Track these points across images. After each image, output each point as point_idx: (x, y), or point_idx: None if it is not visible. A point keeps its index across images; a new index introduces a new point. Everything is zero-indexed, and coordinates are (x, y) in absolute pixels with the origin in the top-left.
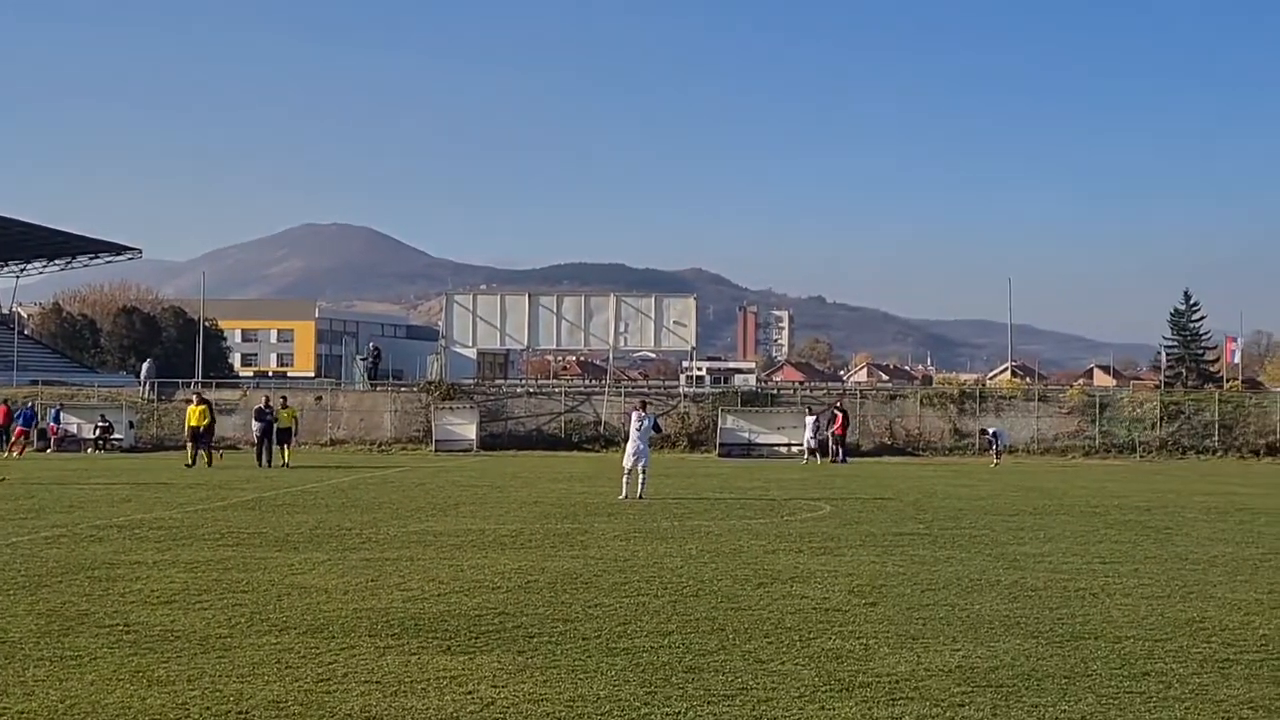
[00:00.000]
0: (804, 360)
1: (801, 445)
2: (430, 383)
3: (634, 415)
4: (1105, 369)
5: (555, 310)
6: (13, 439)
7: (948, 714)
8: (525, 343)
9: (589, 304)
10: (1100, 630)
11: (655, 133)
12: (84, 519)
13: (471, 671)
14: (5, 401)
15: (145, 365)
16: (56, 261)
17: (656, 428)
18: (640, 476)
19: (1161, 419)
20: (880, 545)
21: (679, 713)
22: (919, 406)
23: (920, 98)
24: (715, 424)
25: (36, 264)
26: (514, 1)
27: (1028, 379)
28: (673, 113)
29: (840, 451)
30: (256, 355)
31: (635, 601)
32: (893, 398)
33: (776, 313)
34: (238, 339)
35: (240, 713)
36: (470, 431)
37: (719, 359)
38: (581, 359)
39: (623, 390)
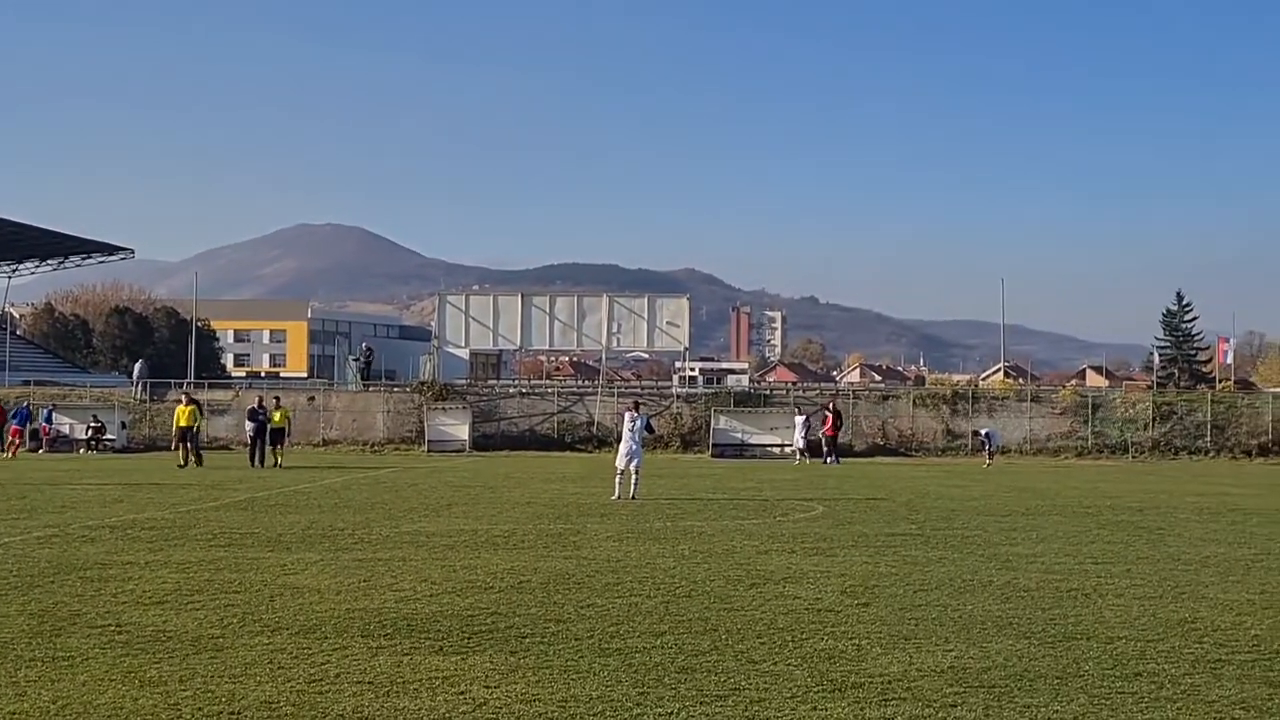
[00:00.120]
0: (797, 361)
1: (794, 446)
2: (423, 383)
3: (627, 416)
4: (1098, 369)
5: (548, 311)
6: (9, 439)
7: (940, 714)
8: (518, 343)
9: (582, 304)
10: (1093, 631)
11: (648, 133)
12: (76, 519)
13: (464, 672)
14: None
15: (137, 366)
16: (49, 262)
17: (649, 428)
18: (633, 477)
19: (1154, 420)
20: (873, 546)
21: (671, 713)
22: (912, 407)
23: (914, 98)
24: (708, 425)
25: (29, 264)
26: (509, 2)
27: (1020, 379)
28: (666, 113)
29: (826, 451)
30: (249, 356)
31: (628, 602)
32: (885, 398)
33: (769, 313)
34: (230, 339)
35: (233, 713)
36: (463, 432)
37: (712, 359)
38: (574, 359)
39: (615, 391)
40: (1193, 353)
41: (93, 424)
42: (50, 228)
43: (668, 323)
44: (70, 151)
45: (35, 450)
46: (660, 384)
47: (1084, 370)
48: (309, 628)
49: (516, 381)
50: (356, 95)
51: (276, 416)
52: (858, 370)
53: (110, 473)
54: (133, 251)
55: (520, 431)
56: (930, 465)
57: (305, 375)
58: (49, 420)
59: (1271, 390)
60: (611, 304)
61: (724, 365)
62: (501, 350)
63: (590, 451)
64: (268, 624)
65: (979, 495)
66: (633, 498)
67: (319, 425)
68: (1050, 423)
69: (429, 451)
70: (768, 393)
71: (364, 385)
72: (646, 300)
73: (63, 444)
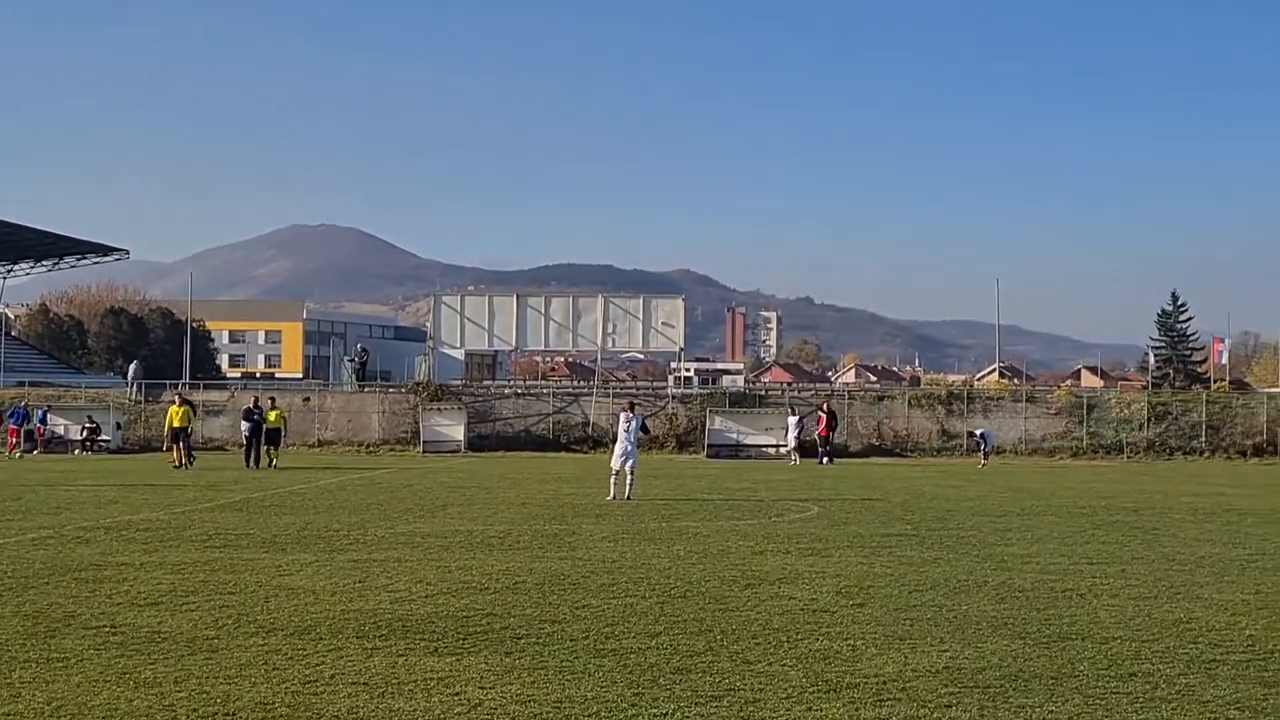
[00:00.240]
0: (792, 361)
1: (787, 446)
2: (418, 384)
3: (622, 416)
4: (1093, 370)
5: (543, 311)
6: (9, 439)
7: (935, 715)
8: (513, 344)
9: (577, 305)
10: (1087, 631)
11: (644, 135)
12: (71, 520)
13: (459, 673)
14: None
15: (132, 366)
16: (44, 262)
17: (644, 429)
18: (628, 477)
19: (1149, 420)
20: (868, 546)
21: (666, 714)
22: (907, 407)
23: (910, 98)
24: (703, 425)
25: (24, 265)
26: (504, 3)
27: (1015, 380)
28: (662, 115)
29: (821, 452)
30: (244, 356)
31: (623, 603)
32: (881, 399)
33: (764, 314)
34: (225, 340)
35: (227, 714)
36: (458, 433)
37: (707, 360)
38: (570, 360)
39: (611, 391)
40: (1188, 353)
41: (88, 425)
42: (45, 228)
43: (663, 323)
44: (66, 152)
45: (30, 451)
46: (655, 384)
47: (1079, 370)
48: (304, 629)
49: (512, 382)
50: (352, 95)
51: (272, 417)
52: (853, 371)
53: (105, 474)
54: (128, 252)
55: (515, 432)
56: (925, 466)
57: (300, 376)
58: (43, 421)
59: (1266, 391)
60: (607, 305)
61: (719, 366)
62: (497, 351)
63: (585, 452)
64: (263, 625)
65: (974, 496)
66: (628, 498)
67: (314, 426)
68: (1045, 423)
69: (424, 452)
70: (763, 393)
71: (359, 386)
72: (642, 301)
73: (57, 445)
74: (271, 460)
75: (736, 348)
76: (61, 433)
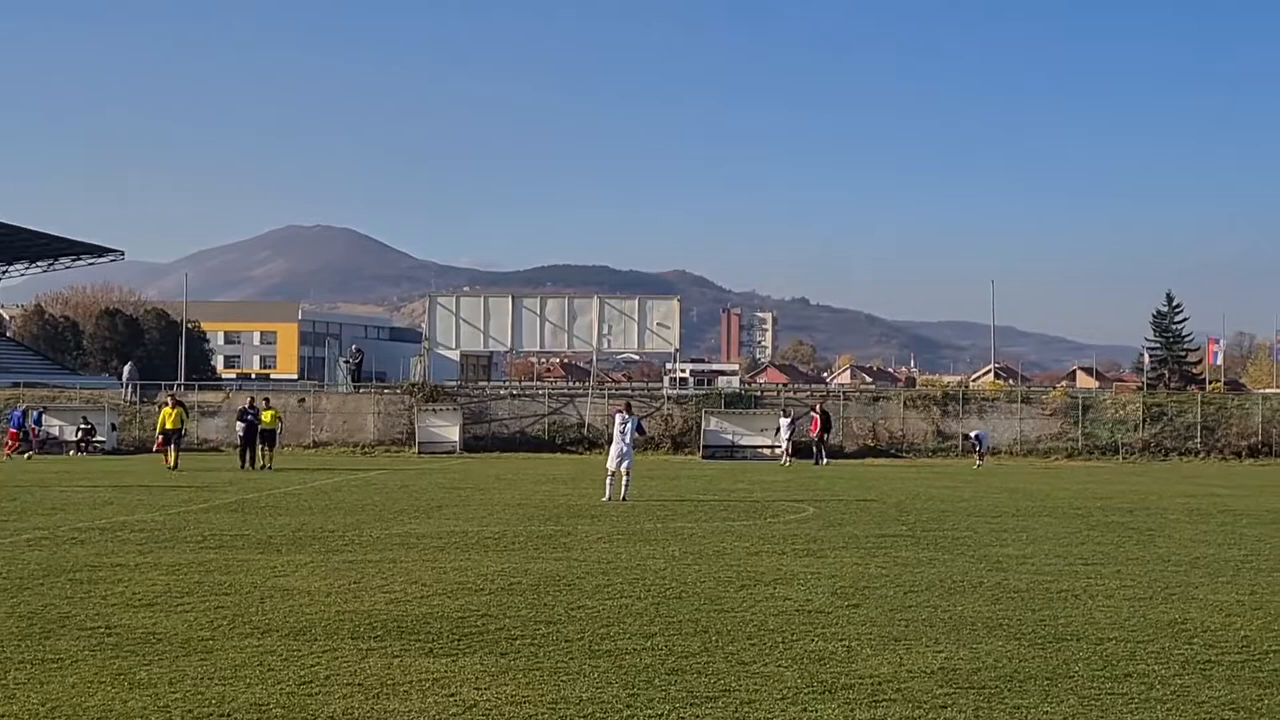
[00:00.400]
0: (788, 362)
1: (780, 447)
2: (413, 385)
3: (618, 417)
4: (1088, 371)
5: (539, 312)
6: (9, 440)
7: (930, 716)
8: (509, 345)
9: (572, 306)
10: (1083, 632)
11: (639, 136)
12: (66, 521)
13: (454, 674)
14: None
15: (126, 368)
16: (39, 263)
17: (640, 430)
18: (624, 478)
19: (1144, 421)
20: (863, 547)
21: (662, 715)
22: (902, 408)
23: (904, 99)
24: (699, 426)
25: (18, 266)
26: (500, 5)
27: (1011, 381)
28: (657, 116)
29: (819, 453)
30: (239, 357)
31: (618, 604)
32: (876, 399)
33: (760, 315)
34: (220, 341)
35: (223, 715)
36: (453, 433)
37: (703, 361)
38: (565, 361)
39: (606, 392)
40: (1183, 354)
41: (83, 426)
42: (40, 229)
43: (658, 324)
44: (61, 152)
45: (24, 453)
46: (651, 385)
47: (1074, 371)
48: (299, 630)
49: (507, 383)
50: (348, 97)
51: (267, 418)
52: (848, 371)
53: (100, 475)
54: (123, 253)
55: (511, 433)
56: (921, 466)
57: (296, 377)
58: (38, 422)
59: (1261, 392)
60: (602, 305)
61: (715, 367)
62: (492, 352)
63: (581, 453)
64: (258, 626)
65: (969, 496)
66: (623, 499)
67: (309, 427)
68: (1040, 424)
69: (419, 453)
70: (758, 394)
71: (354, 387)
72: (637, 302)
73: (52, 446)
74: (267, 462)
75: (732, 349)
76: (56, 434)
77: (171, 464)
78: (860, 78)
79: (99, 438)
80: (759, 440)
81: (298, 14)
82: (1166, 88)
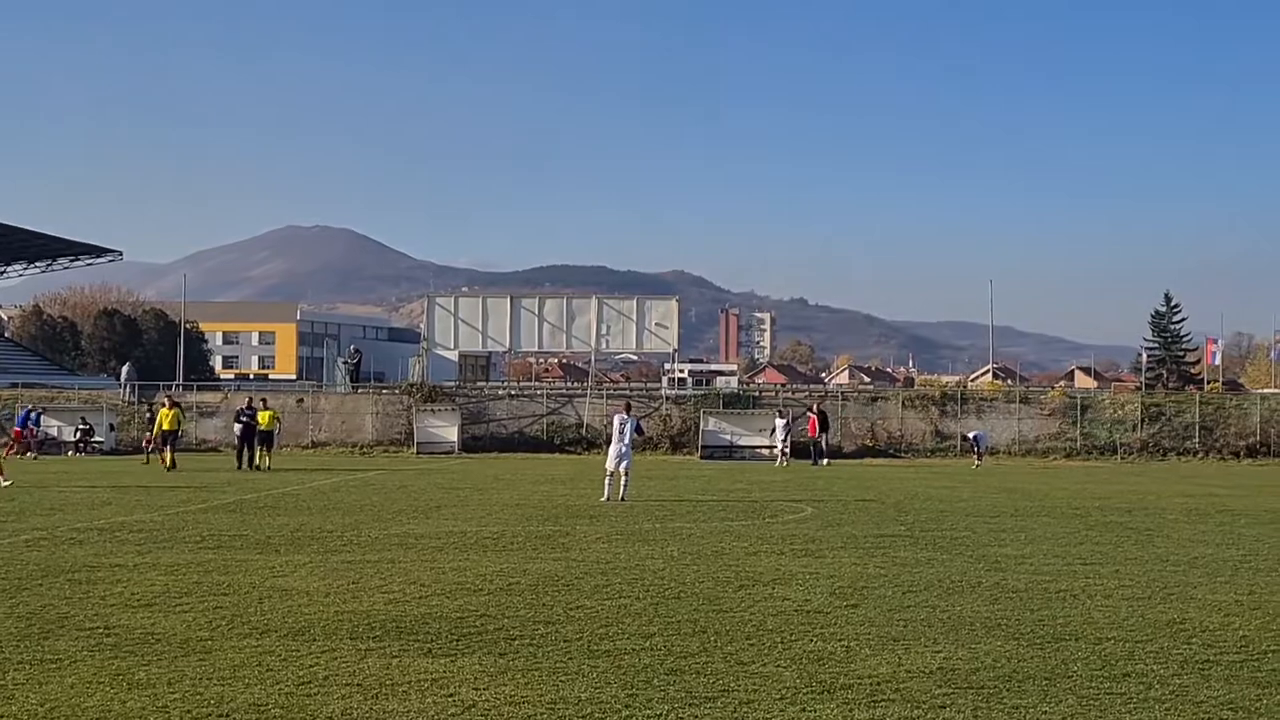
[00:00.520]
0: (786, 362)
1: (776, 448)
2: (412, 385)
3: (617, 418)
4: (1086, 371)
5: (537, 312)
6: (12, 440)
7: (929, 716)
8: (507, 345)
9: (571, 306)
10: (1081, 632)
11: (638, 136)
12: (64, 522)
13: (453, 674)
14: None
15: (125, 368)
16: (37, 264)
17: (639, 430)
18: (622, 479)
19: (1142, 421)
20: (862, 547)
21: (660, 715)
22: (901, 408)
23: (903, 99)
24: (697, 426)
25: (16, 266)
26: (499, 5)
27: (1009, 381)
28: (655, 116)
29: (815, 453)
30: (238, 358)
31: (617, 604)
32: (874, 400)
33: (758, 315)
34: (219, 341)
35: (221, 716)
36: (452, 434)
37: (701, 361)
38: (563, 361)
39: (605, 393)
40: (1181, 354)
41: (81, 426)
42: (38, 229)
43: (657, 324)
44: (59, 153)
45: (23, 453)
46: (649, 386)
47: (1072, 371)
48: (298, 630)
49: (505, 383)
50: (347, 98)
51: (264, 419)
52: (847, 372)
53: (98, 475)
54: (121, 253)
55: (509, 433)
56: (919, 466)
57: (294, 377)
58: (37, 423)
59: (1259, 392)
60: (600, 306)
61: (713, 367)
62: (490, 352)
63: (579, 453)
64: (256, 626)
65: (968, 496)
66: (622, 499)
67: (308, 427)
68: (1039, 424)
69: (418, 453)
70: (757, 394)
71: (353, 387)
72: (635, 302)
73: (51, 446)
74: (264, 462)
75: (730, 349)
76: (55, 434)
77: (169, 465)
78: (859, 78)
79: (97, 438)
80: (757, 440)
81: (297, 14)
82: (1165, 88)
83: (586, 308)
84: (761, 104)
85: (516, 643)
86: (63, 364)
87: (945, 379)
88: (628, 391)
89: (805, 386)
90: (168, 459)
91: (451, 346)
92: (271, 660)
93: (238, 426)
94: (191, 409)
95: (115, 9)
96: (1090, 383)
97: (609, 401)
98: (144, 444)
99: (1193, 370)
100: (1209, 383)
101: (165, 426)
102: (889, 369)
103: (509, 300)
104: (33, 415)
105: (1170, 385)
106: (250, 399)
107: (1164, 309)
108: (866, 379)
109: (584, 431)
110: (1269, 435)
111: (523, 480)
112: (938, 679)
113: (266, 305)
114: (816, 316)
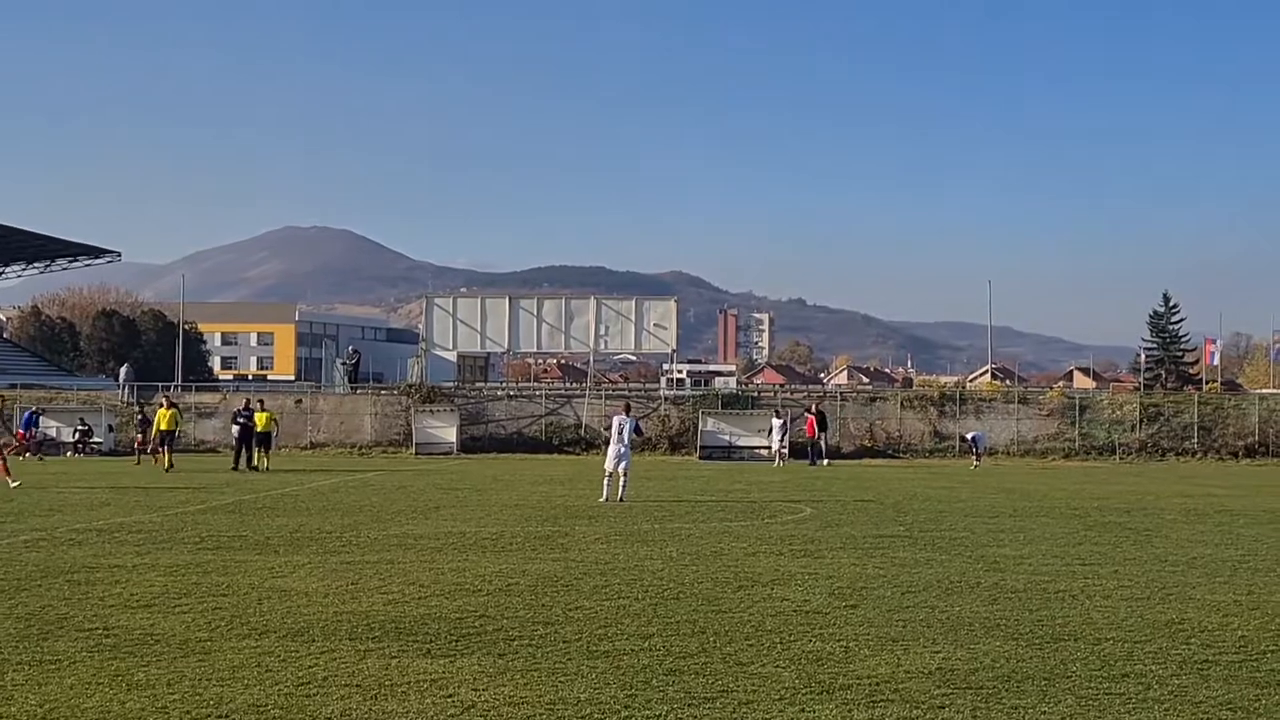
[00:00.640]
0: (785, 363)
1: (772, 448)
2: (410, 386)
3: (615, 419)
4: (1085, 371)
5: (535, 313)
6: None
7: (927, 716)
8: (506, 346)
9: (569, 307)
10: (1080, 632)
11: (635, 137)
12: (63, 522)
13: (452, 675)
14: None
15: (123, 369)
16: (35, 264)
17: (638, 430)
18: (621, 479)
19: (1141, 421)
20: (861, 548)
21: (659, 715)
22: (899, 409)
23: (900, 99)
24: (696, 427)
25: (15, 267)
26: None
27: (1008, 381)
28: (653, 116)
29: (812, 453)
30: (236, 358)
31: (616, 604)
32: (873, 400)
33: (757, 315)
34: (217, 342)
35: (220, 716)
36: (451, 434)
37: (700, 362)
38: (562, 362)
39: (603, 393)
40: (1180, 354)
41: (80, 427)
42: (37, 230)
43: (655, 325)
44: (57, 154)
45: (21, 454)
46: (648, 386)
47: (1071, 372)
48: (297, 631)
49: (504, 384)
50: (345, 98)
51: (261, 420)
52: (845, 372)
53: (97, 476)
54: (119, 254)
55: (508, 434)
56: (918, 467)
57: (293, 378)
58: (35, 425)
59: (1258, 392)
60: (599, 306)
61: (712, 367)
62: (489, 353)
63: (578, 454)
64: (255, 627)
65: (966, 497)
66: (620, 500)
67: (306, 428)
68: (1037, 424)
69: (417, 454)
70: (755, 395)
71: (351, 388)
72: (634, 302)
73: (49, 447)
74: (262, 464)
75: (729, 349)
76: (53, 435)
77: (167, 466)
78: (858, 78)
79: (96, 439)
80: (756, 441)
81: (295, 14)
82: (1164, 88)
83: (585, 308)
84: (760, 104)
85: (515, 643)
86: (61, 365)
87: (944, 379)
88: (626, 392)
89: (804, 387)
90: (166, 460)
91: (450, 347)
92: (271, 661)
93: (235, 428)
94: (190, 410)
95: (115, 9)
96: (1089, 383)
97: (608, 402)
98: (135, 445)
99: (1191, 370)
100: (1207, 383)
101: (163, 427)
102: (887, 369)
103: (507, 301)
104: (33, 417)
105: (1169, 385)
106: (248, 400)
107: (1162, 309)
108: (865, 379)
109: (583, 432)
110: (1267, 435)
111: (521, 481)
112: (936, 679)
113: (265, 306)
114: (815, 317)
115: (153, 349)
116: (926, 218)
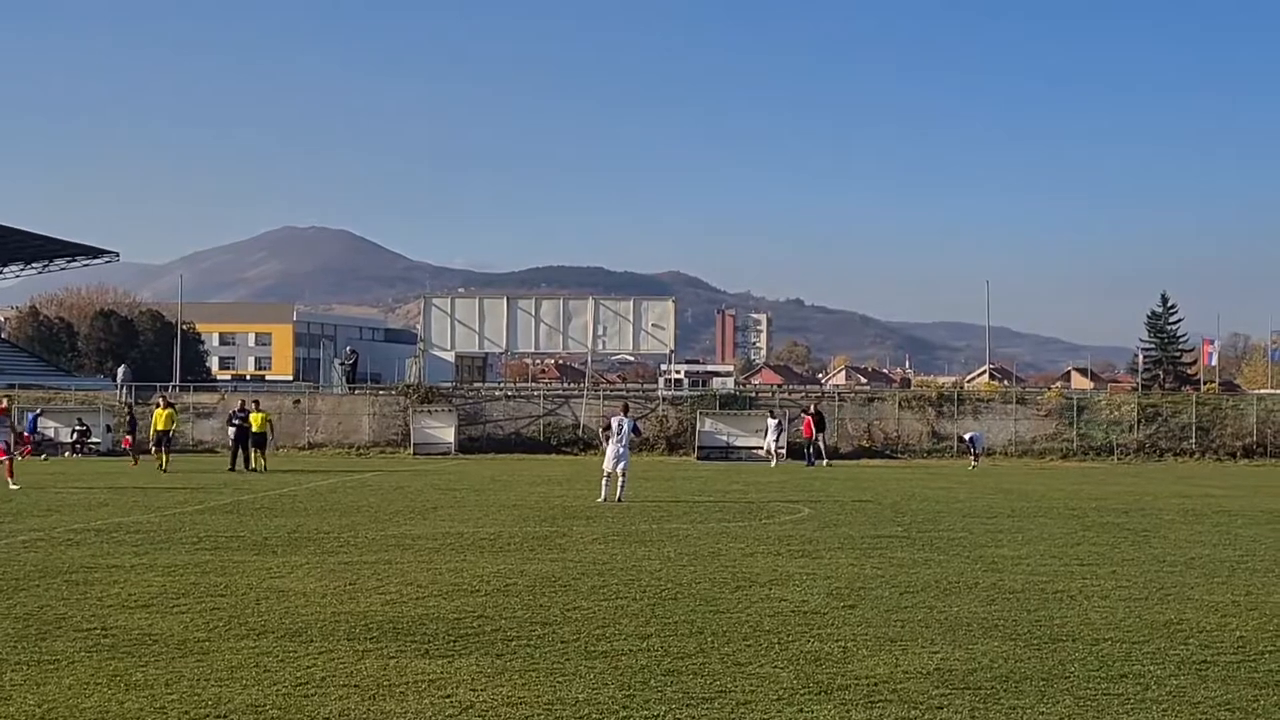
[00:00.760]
0: (782, 363)
1: (767, 448)
2: (408, 386)
3: (614, 419)
4: (1083, 371)
5: (533, 313)
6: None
7: (926, 716)
8: (504, 346)
9: (567, 307)
10: (1078, 632)
11: (634, 137)
12: (61, 523)
13: (450, 675)
14: None
15: (121, 370)
16: (33, 265)
17: (636, 431)
18: (619, 479)
19: (1139, 421)
20: (859, 548)
21: (657, 715)
22: (897, 409)
23: (897, 100)
24: (693, 427)
25: (13, 267)
26: (496, 7)
27: (1006, 382)
28: (652, 117)
29: (810, 454)
30: (234, 359)
31: (614, 604)
32: (871, 400)
33: (755, 316)
34: (215, 342)
35: (219, 717)
36: (449, 435)
37: (697, 362)
38: (560, 362)
39: (601, 393)
40: (1178, 355)
41: (78, 428)
42: (35, 230)
43: (653, 325)
44: (56, 154)
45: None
46: (646, 386)
47: (1069, 372)
48: (295, 631)
49: (502, 384)
50: (344, 99)
51: (255, 421)
52: (843, 372)
53: (95, 476)
54: (118, 254)
55: (506, 434)
56: (916, 467)
57: (290, 378)
58: (34, 427)
59: (1256, 392)
60: (597, 307)
61: (710, 368)
62: (487, 353)
63: (576, 454)
64: (254, 627)
65: (964, 497)
66: (619, 500)
67: (304, 428)
68: (1035, 425)
69: (414, 454)
70: (753, 395)
71: (349, 388)
72: (632, 303)
73: (48, 447)
74: (259, 464)
75: (727, 350)
76: (52, 435)
77: (164, 465)
78: (857, 78)
79: (94, 439)
80: (754, 441)
81: (294, 14)
82: (1163, 88)
83: (583, 308)
84: (758, 105)
85: (514, 644)
86: (59, 365)
87: (941, 380)
88: (624, 392)
89: (802, 387)
90: (164, 460)
91: (448, 347)
92: (269, 661)
93: (231, 429)
94: (188, 410)
95: (115, 9)
96: (1087, 383)
97: (606, 402)
98: (123, 444)
99: (1189, 371)
100: (1205, 383)
101: (160, 427)
102: (885, 370)
103: (505, 301)
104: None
105: (1167, 386)
106: (243, 401)
107: (1160, 310)
108: (863, 380)
109: (580, 432)
110: (1265, 436)
111: (519, 481)
112: (935, 680)
113: (263, 306)
114: (813, 317)
115: (151, 349)
116: (925, 218)
